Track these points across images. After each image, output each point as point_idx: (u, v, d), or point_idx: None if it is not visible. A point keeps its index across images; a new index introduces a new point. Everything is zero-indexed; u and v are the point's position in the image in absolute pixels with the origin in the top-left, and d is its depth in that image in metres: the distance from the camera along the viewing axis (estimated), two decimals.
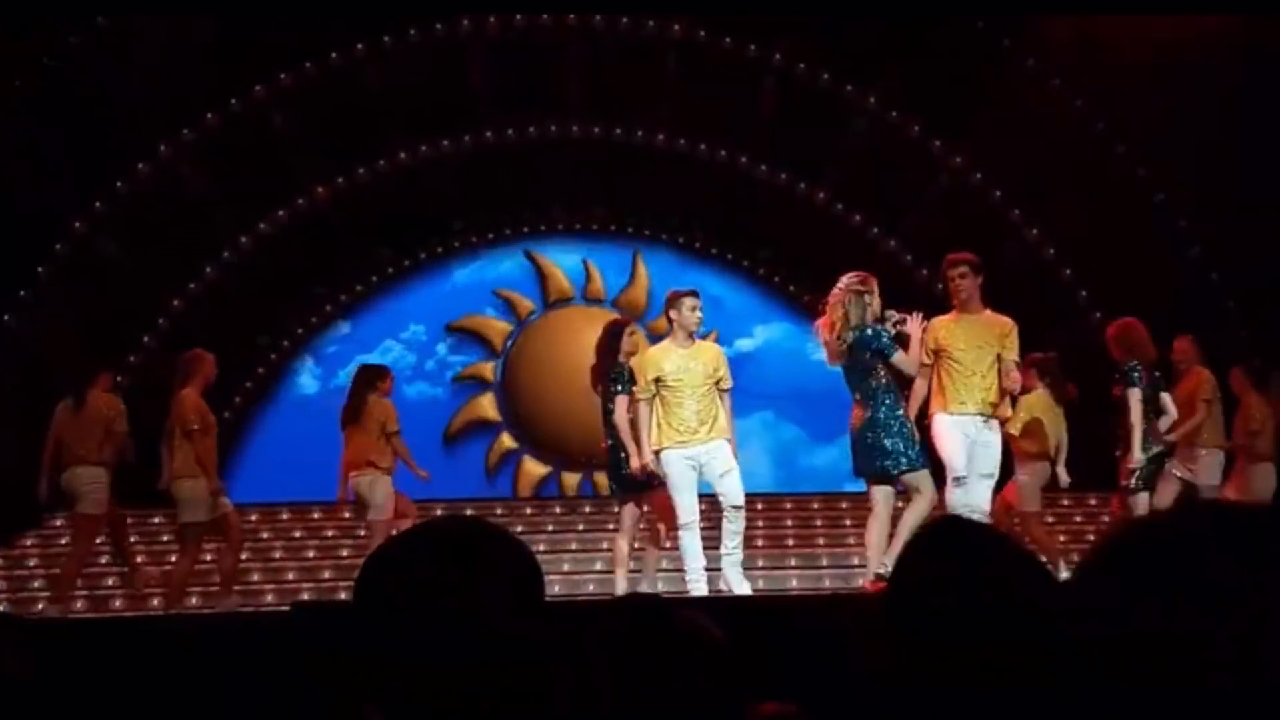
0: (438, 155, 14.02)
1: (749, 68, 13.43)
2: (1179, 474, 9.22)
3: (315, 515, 12.39)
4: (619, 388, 8.30)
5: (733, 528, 7.96)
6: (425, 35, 13.09)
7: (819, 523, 12.33)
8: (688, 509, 7.96)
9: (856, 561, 10.62)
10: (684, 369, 7.97)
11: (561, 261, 15.50)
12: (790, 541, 11.87)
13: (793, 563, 11.26)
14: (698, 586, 7.92)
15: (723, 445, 7.98)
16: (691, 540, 7.98)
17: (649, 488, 8.27)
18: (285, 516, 12.39)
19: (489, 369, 15.34)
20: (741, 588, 7.95)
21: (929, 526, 1.96)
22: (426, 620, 1.35)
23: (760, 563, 11.02)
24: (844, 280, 7.80)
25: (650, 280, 15.04)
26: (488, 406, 15.23)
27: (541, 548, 11.33)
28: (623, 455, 8.27)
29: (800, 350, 15.11)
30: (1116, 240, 12.32)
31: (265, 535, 12.07)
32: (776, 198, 14.23)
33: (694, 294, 8.26)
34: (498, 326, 15.44)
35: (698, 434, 7.92)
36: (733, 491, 7.95)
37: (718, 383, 8.06)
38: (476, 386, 15.27)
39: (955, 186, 13.46)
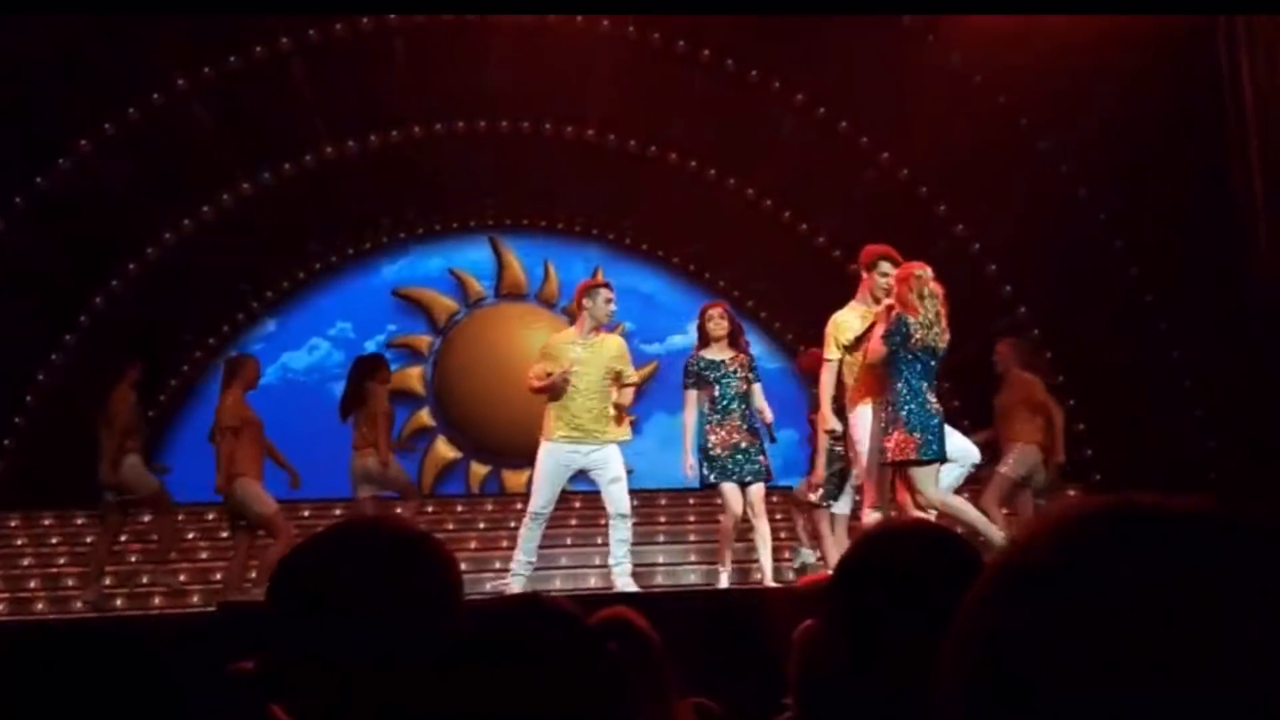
0: (365, 151, 13.91)
1: (677, 63, 13.44)
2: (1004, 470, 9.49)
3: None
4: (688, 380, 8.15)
5: (619, 536, 7.78)
6: (352, 30, 12.96)
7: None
8: (543, 502, 7.79)
9: (785, 555, 10.67)
10: (584, 362, 7.82)
11: (524, 258, 15.50)
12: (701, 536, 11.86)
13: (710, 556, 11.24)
14: (518, 581, 7.72)
15: (614, 451, 7.82)
16: (533, 532, 7.84)
17: (744, 472, 8.07)
18: (212, 517, 12.22)
19: (425, 342, 15.28)
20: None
21: (880, 525, 1.97)
22: (341, 621, 1.34)
23: (692, 557, 11.04)
24: (925, 269, 7.48)
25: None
26: (415, 379, 15.15)
27: (473, 545, 11.29)
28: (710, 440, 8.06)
29: None
30: (1040, 236, 12.47)
31: (192, 535, 11.92)
32: (706, 194, 14.26)
33: (609, 286, 8.18)
34: (444, 303, 15.38)
35: (590, 432, 7.75)
36: (619, 500, 7.77)
37: (618, 376, 7.93)
38: (407, 357, 15.19)
39: (882, 183, 13.55)
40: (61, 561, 11.36)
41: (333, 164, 13.84)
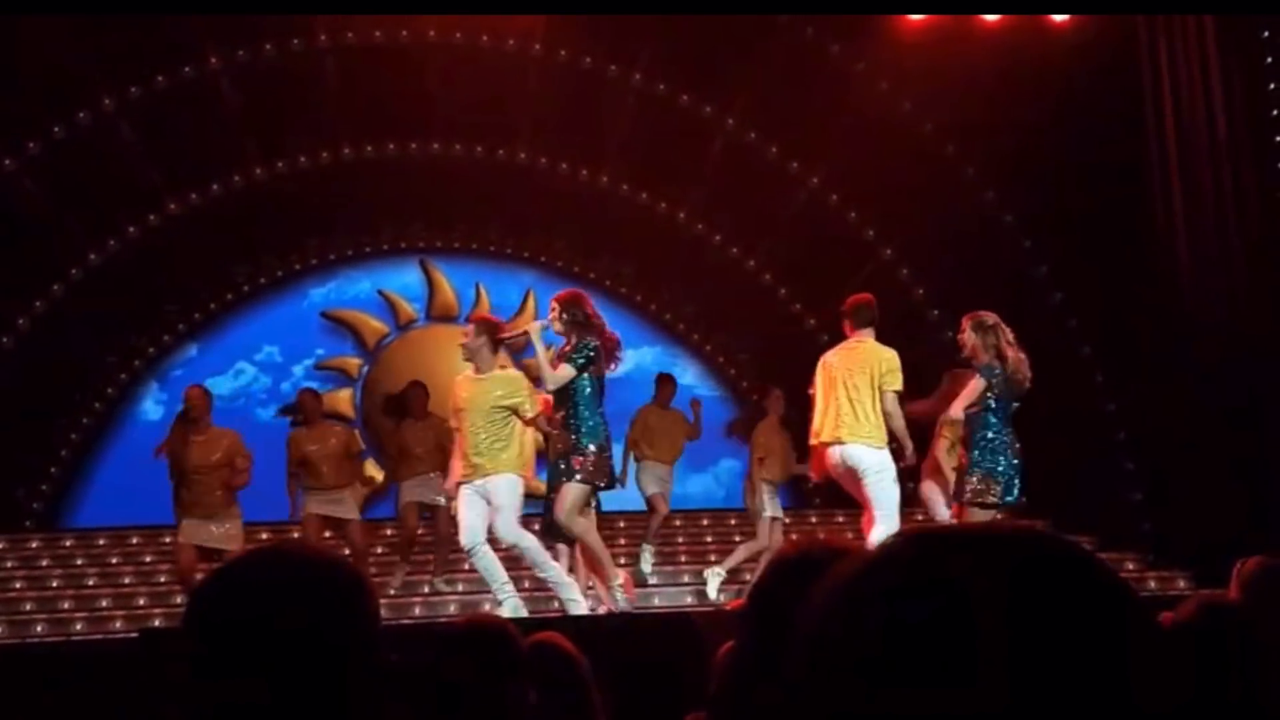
0: (293, 172, 13.80)
1: (609, 87, 13.49)
2: None
3: (167, 539, 12.05)
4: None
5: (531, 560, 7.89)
6: (281, 49, 12.89)
7: (679, 540, 12.32)
8: (469, 536, 7.79)
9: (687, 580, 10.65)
10: (468, 398, 7.93)
11: (455, 280, 15.41)
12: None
13: (686, 579, 11.17)
14: (508, 604, 7.69)
15: (501, 480, 7.79)
16: (484, 561, 7.83)
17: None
18: (135, 540, 12.05)
19: (355, 364, 15.13)
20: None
21: (792, 549, 1.98)
22: (256, 647, 1.34)
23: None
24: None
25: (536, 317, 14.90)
26: (345, 401, 14.99)
27: (405, 568, 11.19)
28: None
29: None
30: (967, 260, 12.63)
31: (115, 560, 11.73)
32: (638, 217, 14.30)
33: (472, 322, 8.31)
34: (374, 325, 15.25)
35: (479, 467, 7.80)
36: (500, 532, 7.74)
37: (515, 411, 7.92)
38: (336, 379, 15.00)
39: (812, 207, 13.67)
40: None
41: (261, 185, 13.72)
